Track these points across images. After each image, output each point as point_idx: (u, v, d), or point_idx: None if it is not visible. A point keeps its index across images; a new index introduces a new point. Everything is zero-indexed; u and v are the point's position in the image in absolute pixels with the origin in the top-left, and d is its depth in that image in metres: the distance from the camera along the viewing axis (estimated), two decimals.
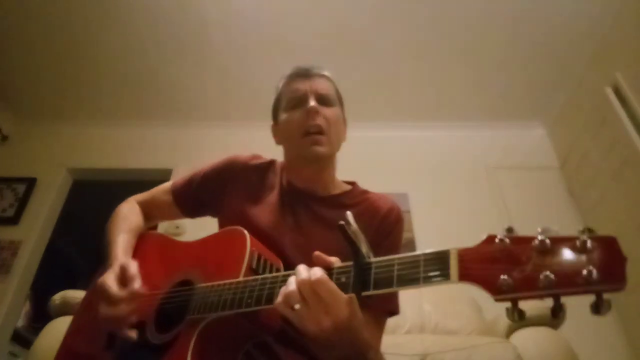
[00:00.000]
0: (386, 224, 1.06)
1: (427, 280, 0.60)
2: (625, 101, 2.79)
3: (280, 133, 1.16)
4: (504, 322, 1.70)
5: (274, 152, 1.24)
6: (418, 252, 0.64)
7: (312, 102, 1.07)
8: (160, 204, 1.22)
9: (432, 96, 3.57)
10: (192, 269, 0.94)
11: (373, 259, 0.68)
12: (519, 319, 0.54)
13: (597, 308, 0.50)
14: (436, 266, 0.60)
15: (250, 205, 1.09)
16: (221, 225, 1.12)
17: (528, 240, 0.54)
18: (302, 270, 0.69)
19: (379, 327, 0.99)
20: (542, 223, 0.55)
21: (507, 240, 0.56)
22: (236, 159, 1.19)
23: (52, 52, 3.26)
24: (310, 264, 0.71)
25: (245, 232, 0.90)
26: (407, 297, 2.08)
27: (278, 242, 0.99)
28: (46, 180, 3.53)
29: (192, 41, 3.17)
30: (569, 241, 0.52)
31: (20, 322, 3.49)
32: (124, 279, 0.90)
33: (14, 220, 3.33)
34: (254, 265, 0.84)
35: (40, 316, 3.29)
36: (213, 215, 1.19)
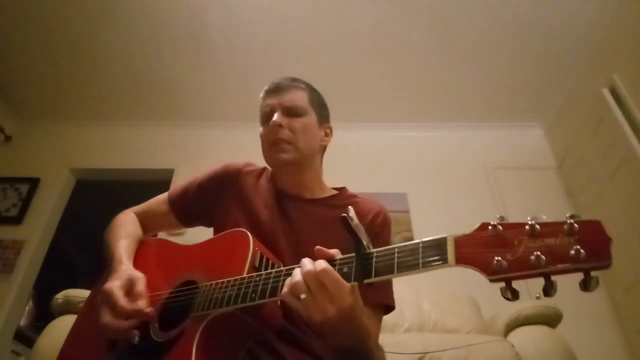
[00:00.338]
0: (374, 226, 1.10)
1: (426, 265, 0.64)
2: (622, 102, 2.81)
3: (261, 144, 1.23)
4: (503, 321, 1.71)
5: None
6: (417, 240, 0.68)
7: (276, 117, 1.13)
8: (157, 215, 1.24)
9: (431, 97, 3.58)
10: (195, 270, 0.96)
11: (374, 249, 0.72)
12: (512, 298, 0.58)
13: (586, 285, 0.53)
14: (434, 252, 0.64)
15: (246, 211, 1.12)
16: (217, 233, 1.13)
17: (519, 225, 0.59)
18: (307, 262, 0.72)
19: (377, 320, 1.02)
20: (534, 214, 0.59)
21: (500, 227, 0.60)
22: (230, 166, 1.24)
23: (53, 53, 3.27)
24: (317, 258, 0.74)
25: (248, 232, 0.93)
26: (407, 296, 2.10)
27: (274, 244, 1.01)
28: (49, 180, 3.55)
29: (192, 42, 3.18)
30: (557, 225, 0.56)
31: (23, 321, 3.50)
32: (130, 291, 0.91)
33: (17, 219, 3.35)
34: (256, 264, 0.86)
35: (43, 315, 3.30)
36: (207, 225, 1.22)
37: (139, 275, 0.94)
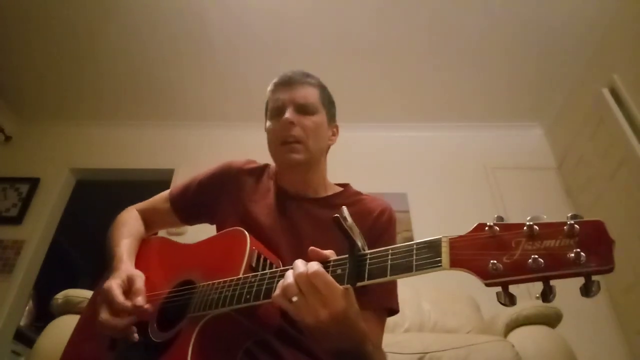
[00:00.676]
0: (379, 224, 1.07)
1: (420, 268, 0.62)
2: (622, 102, 2.82)
3: (267, 139, 1.19)
4: (503, 321, 1.71)
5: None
6: (411, 242, 0.66)
7: (288, 114, 1.09)
8: (159, 212, 1.24)
9: (431, 97, 3.58)
10: (193, 270, 0.96)
11: (368, 251, 0.70)
12: (509, 304, 0.56)
13: (587, 290, 0.51)
14: (428, 254, 0.62)
15: (246, 209, 1.11)
16: (218, 230, 1.14)
17: (517, 226, 0.56)
18: (300, 264, 0.70)
19: (379, 324, 0.99)
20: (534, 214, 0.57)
21: (497, 228, 0.57)
22: (231, 164, 1.22)
23: (54, 53, 3.27)
24: (310, 259, 0.73)
25: (245, 232, 0.92)
26: (407, 296, 2.10)
27: (274, 244, 1.00)
28: (49, 180, 3.55)
29: (192, 42, 3.18)
30: (556, 226, 0.53)
31: (23, 321, 3.50)
32: (129, 289, 0.91)
33: (17, 219, 3.35)
34: (253, 264, 0.86)
35: (43, 315, 3.30)
36: (210, 222, 1.21)
37: (138, 274, 0.94)
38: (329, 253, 0.74)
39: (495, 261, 0.55)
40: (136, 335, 0.87)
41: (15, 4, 2.93)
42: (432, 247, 0.62)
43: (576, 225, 0.51)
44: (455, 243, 0.61)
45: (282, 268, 0.78)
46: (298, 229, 1.07)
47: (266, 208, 1.11)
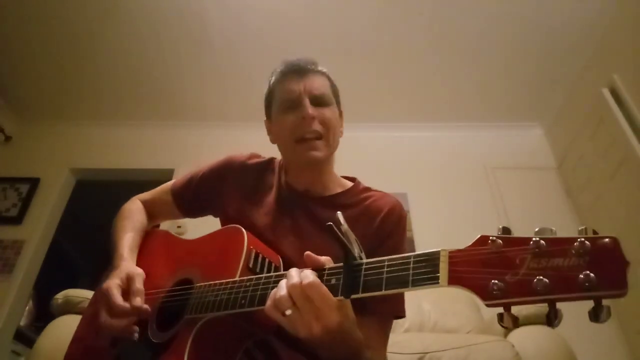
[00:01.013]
0: (387, 224, 1.02)
1: (416, 283, 0.58)
2: (622, 102, 2.82)
3: (274, 133, 1.13)
4: None
5: (272, 152, 1.22)
6: (409, 253, 0.62)
7: (308, 108, 1.02)
8: (162, 204, 1.23)
9: (431, 97, 3.58)
10: (192, 268, 0.96)
11: (364, 260, 0.66)
12: (512, 326, 0.52)
13: (596, 315, 0.46)
14: (426, 269, 0.58)
15: (247, 206, 1.09)
16: (223, 224, 1.12)
17: (522, 241, 0.51)
18: (294, 274, 0.67)
19: (384, 329, 0.96)
20: (539, 223, 0.53)
21: (500, 242, 0.53)
22: (234, 159, 1.18)
23: (53, 53, 3.27)
24: (304, 266, 0.71)
25: (243, 230, 0.91)
26: (407, 296, 2.09)
27: (275, 242, 0.98)
28: (49, 180, 3.55)
29: (192, 42, 3.18)
30: (566, 243, 0.48)
31: (23, 321, 3.50)
32: (128, 288, 0.90)
33: (17, 219, 3.35)
34: (251, 264, 0.85)
35: (43, 315, 3.30)
36: (214, 214, 1.19)
37: (137, 272, 0.94)
38: (325, 260, 0.71)
39: (497, 280, 0.50)
40: (136, 335, 0.87)
41: (15, 4, 2.93)
42: (430, 260, 0.58)
43: (587, 242, 0.47)
44: (455, 258, 0.56)
45: (276, 274, 0.76)
46: (303, 230, 1.03)
47: (267, 206, 1.08)
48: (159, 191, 1.26)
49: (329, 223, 0.65)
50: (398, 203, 1.07)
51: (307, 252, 0.71)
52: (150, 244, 1.14)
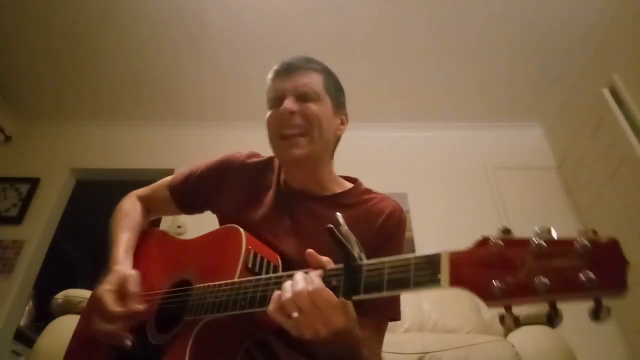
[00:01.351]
0: (387, 227, 1.01)
1: (417, 285, 0.59)
2: (622, 102, 2.82)
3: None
4: None
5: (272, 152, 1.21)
6: (410, 255, 0.62)
7: (287, 102, 1.01)
8: (159, 199, 1.23)
9: (431, 97, 3.58)
10: (190, 268, 0.95)
11: (364, 262, 0.66)
12: (513, 327, 0.53)
13: (597, 314, 0.47)
14: (427, 271, 0.59)
15: (245, 206, 1.09)
16: (221, 223, 1.12)
17: (523, 242, 0.52)
18: (299, 279, 0.68)
19: (379, 332, 0.97)
20: (539, 223, 0.53)
21: (501, 243, 0.53)
22: (233, 157, 1.18)
23: (53, 53, 3.27)
24: (306, 264, 0.72)
25: (241, 230, 0.91)
26: (407, 296, 2.10)
27: (274, 243, 0.98)
28: (49, 180, 3.55)
29: (192, 42, 3.18)
30: (566, 244, 0.49)
31: (23, 321, 3.50)
32: (122, 291, 0.90)
33: (17, 219, 3.35)
34: (249, 264, 0.85)
35: (43, 315, 3.30)
36: (212, 211, 1.19)
37: (132, 274, 0.93)
38: (326, 260, 0.71)
39: (498, 281, 0.51)
40: (129, 342, 0.86)
41: (15, 4, 2.93)
42: (432, 262, 0.59)
43: (587, 243, 0.48)
44: (456, 259, 0.57)
45: (276, 275, 0.77)
46: (303, 229, 1.02)
47: (266, 206, 1.08)
48: (157, 187, 1.25)
49: (329, 225, 0.66)
50: (399, 206, 1.07)
51: (309, 250, 0.72)
52: (147, 244, 1.14)
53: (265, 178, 1.14)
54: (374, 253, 0.71)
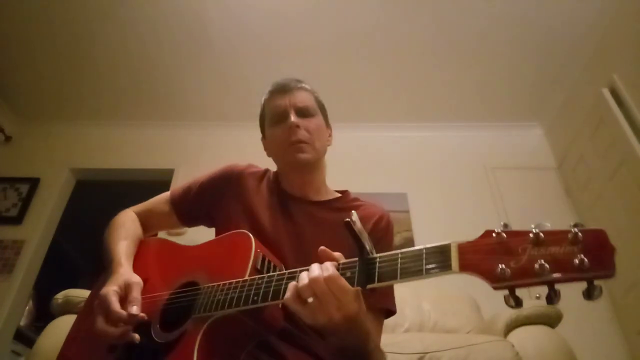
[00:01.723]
0: (377, 231, 1.09)
1: (430, 271, 0.65)
2: (622, 102, 2.82)
3: (268, 147, 1.23)
4: (503, 320, 1.71)
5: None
6: (420, 246, 0.68)
7: (293, 117, 1.13)
8: (159, 214, 1.24)
9: (431, 97, 3.59)
10: (197, 272, 0.96)
11: (377, 255, 0.72)
12: (516, 306, 0.58)
13: (589, 294, 0.54)
14: (438, 258, 0.65)
15: (249, 212, 1.12)
16: (218, 233, 1.14)
17: (523, 233, 0.59)
18: (315, 267, 0.72)
19: (378, 326, 1.01)
20: (538, 222, 0.59)
21: (504, 234, 0.60)
22: (233, 168, 1.23)
23: (53, 53, 3.27)
24: (319, 260, 0.74)
25: (250, 234, 0.93)
26: (407, 296, 2.10)
27: (277, 247, 1.01)
28: (49, 180, 3.55)
29: (192, 42, 3.18)
30: (561, 234, 0.56)
31: (23, 321, 3.51)
32: (126, 296, 0.90)
33: (17, 219, 3.35)
34: (258, 266, 0.86)
35: (43, 315, 3.31)
36: (208, 225, 1.22)
37: (135, 280, 0.94)
38: (338, 256, 0.76)
39: (503, 266, 0.57)
40: (137, 337, 0.86)
41: (15, 3, 2.93)
42: (442, 252, 0.65)
43: (579, 233, 0.54)
44: (464, 248, 0.63)
45: (290, 271, 0.80)
46: (301, 232, 1.08)
47: (268, 211, 1.12)
48: (154, 202, 1.26)
49: (347, 219, 0.71)
50: (386, 212, 1.17)
51: (322, 247, 0.76)
52: (146, 252, 1.13)
53: (264, 186, 1.20)
54: None
